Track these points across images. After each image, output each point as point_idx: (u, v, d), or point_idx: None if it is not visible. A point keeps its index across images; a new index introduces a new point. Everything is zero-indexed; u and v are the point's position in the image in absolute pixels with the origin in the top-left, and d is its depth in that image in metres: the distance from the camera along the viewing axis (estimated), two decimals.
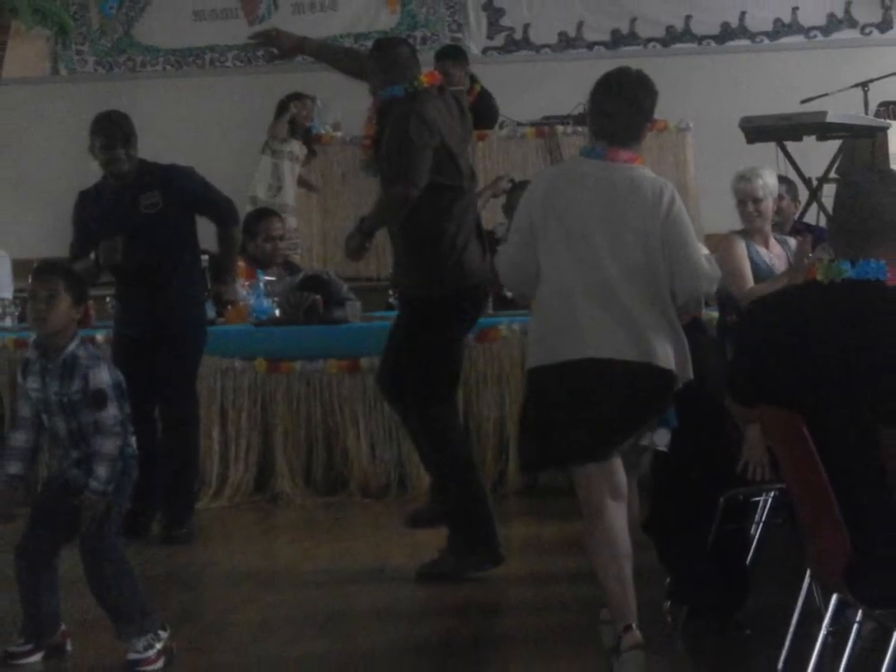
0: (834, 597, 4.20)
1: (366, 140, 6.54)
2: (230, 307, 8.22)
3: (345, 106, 10.75)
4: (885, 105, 9.86)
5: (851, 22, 12.05)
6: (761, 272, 6.70)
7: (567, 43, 12.26)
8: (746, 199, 6.79)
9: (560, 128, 10.72)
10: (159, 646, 5.04)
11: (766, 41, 12.10)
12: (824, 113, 9.05)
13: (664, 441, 4.99)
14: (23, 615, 5.15)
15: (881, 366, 3.90)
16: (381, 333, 6.68)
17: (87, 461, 4.99)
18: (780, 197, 7.33)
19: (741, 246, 6.76)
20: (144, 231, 7.06)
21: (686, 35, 12.17)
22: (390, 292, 8.46)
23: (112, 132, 7.04)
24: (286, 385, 8.13)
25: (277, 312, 8.30)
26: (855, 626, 4.18)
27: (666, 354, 4.78)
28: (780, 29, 12.08)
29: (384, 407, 7.71)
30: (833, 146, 9.46)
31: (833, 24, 12.06)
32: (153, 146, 7.82)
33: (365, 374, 7.97)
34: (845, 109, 9.45)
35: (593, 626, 5.14)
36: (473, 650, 5.36)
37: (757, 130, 9.18)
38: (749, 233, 6.82)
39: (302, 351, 8.15)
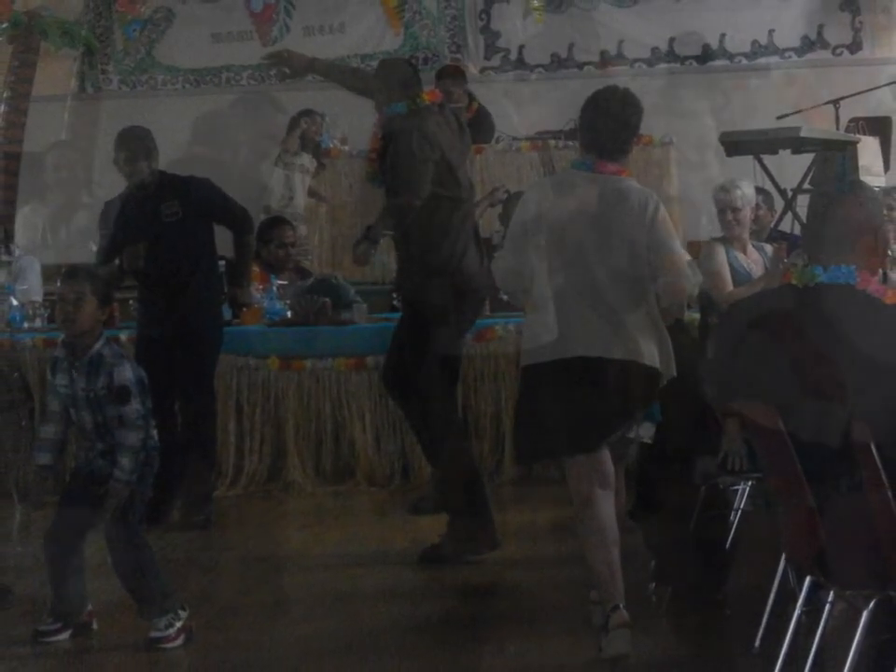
0: (808, 579, 4.21)
1: (371, 154, 6.51)
2: (245, 309, 8.22)
3: (352, 122, 10.70)
4: (855, 120, 9.84)
5: (824, 44, 12.02)
6: (739, 276, 6.70)
7: (558, 63, 12.23)
8: (725, 208, 6.79)
9: (553, 142, 10.69)
10: (178, 625, 5.05)
11: (744, 61, 12.06)
12: (798, 128, 9.03)
13: (648, 434, 4.99)
14: (52, 596, 5.17)
15: (851, 363, 3.90)
16: (385, 333, 6.68)
17: (112, 452, 4.99)
18: (757, 207, 7.32)
19: (721, 252, 6.75)
20: (164, 238, 7.06)
21: (670, 55, 12.15)
22: (394, 295, 8.44)
23: (135, 146, 7.04)
24: (297, 381, 8.12)
25: (289, 313, 8.29)
26: (827, 606, 4.19)
27: (651, 353, 4.79)
28: (758, 50, 12.05)
29: (388, 402, 7.70)
30: (806, 159, 9.43)
31: (806, 46, 12.03)
32: (173, 158, 7.81)
33: (371, 372, 7.95)
34: (817, 125, 9.45)
35: (583, 606, 5.13)
36: (471, 628, 5.35)
37: (735, 144, 9.16)
38: (728, 240, 6.82)
39: (312, 350, 8.13)
